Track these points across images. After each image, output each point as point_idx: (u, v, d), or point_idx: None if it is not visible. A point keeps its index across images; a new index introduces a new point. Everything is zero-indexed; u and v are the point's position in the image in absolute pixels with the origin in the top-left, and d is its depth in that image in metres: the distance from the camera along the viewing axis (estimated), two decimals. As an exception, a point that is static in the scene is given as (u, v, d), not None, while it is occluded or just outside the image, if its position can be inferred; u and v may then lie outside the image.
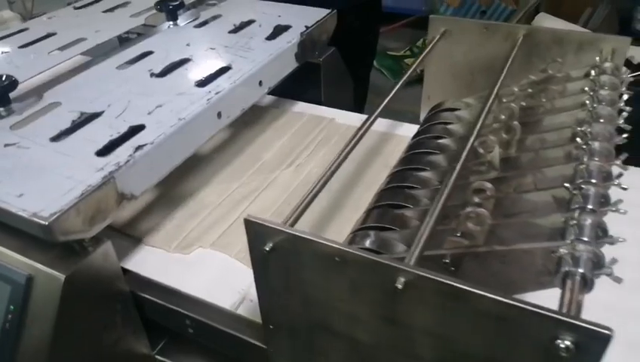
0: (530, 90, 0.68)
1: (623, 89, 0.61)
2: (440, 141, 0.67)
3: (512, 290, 0.45)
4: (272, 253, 0.43)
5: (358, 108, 1.30)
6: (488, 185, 0.47)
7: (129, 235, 0.71)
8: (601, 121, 0.55)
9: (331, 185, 0.77)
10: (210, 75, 0.74)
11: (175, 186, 0.78)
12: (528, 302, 0.34)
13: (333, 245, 0.40)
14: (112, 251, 0.58)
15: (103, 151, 0.59)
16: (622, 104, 0.58)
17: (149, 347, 0.70)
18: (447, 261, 0.46)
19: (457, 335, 0.39)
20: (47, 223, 0.49)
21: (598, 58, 0.66)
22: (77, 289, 0.55)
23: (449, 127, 0.70)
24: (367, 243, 0.53)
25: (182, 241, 0.68)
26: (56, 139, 0.62)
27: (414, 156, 0.66)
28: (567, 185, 0.44)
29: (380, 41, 1.49)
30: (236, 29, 0.89)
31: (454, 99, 0.77)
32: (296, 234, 0.41)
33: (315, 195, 0.49)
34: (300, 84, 1.00)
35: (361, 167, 0.81)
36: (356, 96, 1.28)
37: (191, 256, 0.67)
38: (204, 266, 0.65)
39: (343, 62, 1.03)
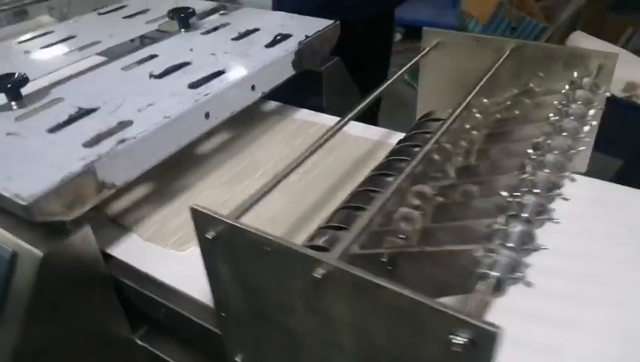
0: (508, 103, 0.68)
1: (596, 104, 0.60)
2: (417, 149, 0.68)
3: (445, 292, 0.46)
4: (215, 241, 0.46)
5: (369, 117, 1.32)
6: (427, 188, 0.48)
7: (122, 225, 0.76)
8: (564, 134, 0.55)
9: (316, 188, 0.80)
10: (204, 77, 0.78)
11: (177, 184, 0.82)
12: (429, 298, 0.36)
13: (261, 234, 0.42)
14: (91, 235, 0.62)
15: (90, 143, 0.63)
16: (589, 118, 0.58)
17: (129, 331, 0.74)
18: (384, 260, 0.47)
19: (372, 328, 0.40)
20: (26, 204, 0.54)
21: (576, 74, 0.66)
22: (55, 267, 0.59)
23: (429, 135, 0.71)
24: (321, 241, 0.55)
25: (179, 239, 0.72)
26: (52, 130, 0.67)
27: (389, 162, 0.67)
28: (503, 193, 0.45)
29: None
30: (239, 37, 0.94)
31: (443, 109, 0.78)
32: (231, 222, 0.44)
33: (267, 192, 0.52)
34: (303, 92, 1.03)
35: (350, 172, 0.83)
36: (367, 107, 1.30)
37: (184, 253, 0.70)
38: (192, 261, 0.69)
39: (347, 72, 1.06)
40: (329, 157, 0.89)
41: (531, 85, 0.68)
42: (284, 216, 0.75)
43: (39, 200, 0.55)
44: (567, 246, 0.66)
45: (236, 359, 0.57)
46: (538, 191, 0.46)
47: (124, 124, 0.67)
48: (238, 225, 0.44)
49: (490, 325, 0.33)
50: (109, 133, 0.65)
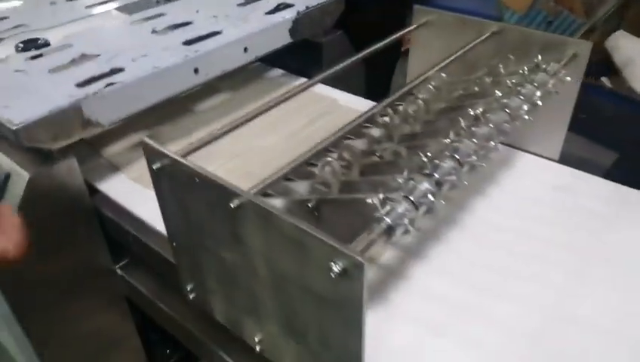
0: (477, 80, 0.70)
1: (550, 87, 0.62)
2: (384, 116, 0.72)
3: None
4: (160, 172, 0.52)
5: (379, 92, 1.33)
6: (355, 144, 0.52)
7: (113, 165, 0.83)
8: (507, 110, 0.58)
9: (296, 149, 0.85)
10: (199, 36, 0.84)
11: (170, 134, 0.88)
12: (316, 229, 0.40)
13: (192, 167, 0.48)
14: (76, 165, 0.70)
15: (82, 84, 0.70)
16: (536, 99, 0.60)
17: (110, 261, 0.82)
18: (310, 205, 0.52)
19: (276, 256, 0.45)
20: (15, 128, 0.62)
21: (537, 58, 0.67)
22: (41, 189, 0.67)
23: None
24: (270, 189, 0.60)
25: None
26: (53, 71, 0.75)
27: (349, 125, 0.71)
28: (420, 153, 0.49)
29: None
30: (245, 3, 0.99)
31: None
32: (170, 155, 0.49)
33: (218, 137, 0.57)
34: (305, 62, 1.07)
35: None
36: (375, 83, 1.32)
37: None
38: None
39: (351, 45, 1.09)
40: (317, 124, 0.93)
41: (500, 66, 0.70)
42: (260, 170, 0.80)
43: (27, 127, 0.63)
44: (505, 222, 0.69)
45: (187, 288, 0.63)
46: (456, 156, 0.49)
47: (116, 70, 0.73)
48: (175, 157, 0.49)
49: (357, 255, 0.38)
50: (101, 76, 0.72)
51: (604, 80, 2.23)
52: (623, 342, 0.54)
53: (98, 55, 0.79)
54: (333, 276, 0.39)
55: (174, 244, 0.60)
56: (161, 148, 0.50)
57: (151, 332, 1.05)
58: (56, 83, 0.71)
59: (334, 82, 1.07)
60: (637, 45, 2.25)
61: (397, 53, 1.49)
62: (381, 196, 0.43)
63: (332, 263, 0.39)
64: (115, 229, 0.77)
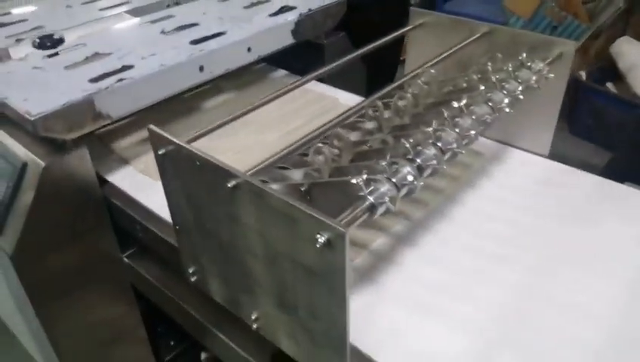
0: (466, 77, 0.74)
1: (532, 83, 0.66)
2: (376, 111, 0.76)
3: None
4: (165, 157, 0.56)
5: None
6: (342, 132, 0.56)
7: (122, 158, 0.88)
8: (489, 103, 0.61)
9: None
10: (205, 37, 0.88)
11: (176, 129, 0.93)
12: (304, 204, 0.44)
13: (194, 151, 0.52)
14: (87, 156, 0.74)
15: (95, 80, 0.75)
16: (518, 93, 0.63)
17: (117, 249, 0.87)
18: (302, 189, 0.56)
19: (270, 232, 0.49)
20: (33, 119, 0.67)
21: (522, 56, 0.71)
22: (54, 177, 0.72)
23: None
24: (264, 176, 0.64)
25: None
26: (68, 68, 0.80)
27: (340, 116, 0.74)
28: (403, 140, 0.52)
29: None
30: (251, 5, 1.03)
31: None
32: (174, 140, 0.53)
33: (220, 126, 0.61)
34: (308, 63, 1.11)
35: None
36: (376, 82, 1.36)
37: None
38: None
39: (352, 47, 1.13)
40: (318, 121, 0.96)
41: (489, 64, 0.74)
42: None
43: (44, 118, 0.67)
44: (494, 212, 0.72)
45: (189, 270, 0.67)
46: (438, 144, 0.53)
47: (126, 68, 0.78)
48: (179, 142, 0.53)
49: (339, 225, 0.41)
50: (112, 73, 0.77)
51: (610, 85, 2.25)
52: (591, 317, 0.57)
53: (110, 53, 0.84)
54: (318, 246, 0.43)
55: (177, 228, 0.65)
56: (166, 135, 0.55)
57: (156, 324, 1.10)
58: (71, 78, 0.76)
59: (336, 84, 1.12)
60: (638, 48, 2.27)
61: (397, 60, 1.53)
62: (365, 177, 0.47)
63: (318, 235, 0.43)
64: (123, 218, 0.82)
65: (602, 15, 2.13)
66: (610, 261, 0.64)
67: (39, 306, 0.82)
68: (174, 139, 0.54)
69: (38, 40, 0.87)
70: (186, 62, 0.81)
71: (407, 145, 0.52)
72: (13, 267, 0.75)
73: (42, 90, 0.74)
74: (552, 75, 0.70)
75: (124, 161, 0.87)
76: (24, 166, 0.72)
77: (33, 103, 0.69)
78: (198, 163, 0.52)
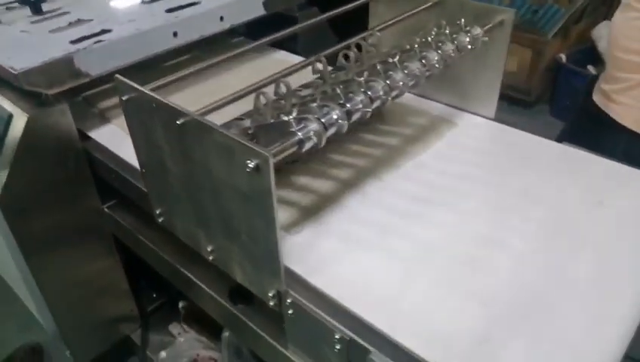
0: (410, 41, 0.81)
1: (466, 45, 0.73)
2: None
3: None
4: (129, 103, 0.64)
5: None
6: (286, 80, 0.64)
7: (105, 117, 0.96)
8: (423, 61, 0.68)
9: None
10: (181, 5, 0.96)
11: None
12: (238, 135, 0.52)
13: (150, 94, 0.59)
14: (68, 111, 0.82)
15: (75, 41, 0.83)
16: (450, 53, 0.71)
17: (98, 201, 0.95)
18: (250, 132, 0.63)
19: (212, 163, 0.57)
20: (16, 73, 0.74)
21: (461, 21, 0.78)
22: (37, 128, 0.79)
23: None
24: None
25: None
26: (52, 31, 0.87)
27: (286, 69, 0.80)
28: (337, 89, 0.60)
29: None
30: (226, -22, 1.10)
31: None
32: (136, 86, 0.61)
33: (184, 77, 0.69)
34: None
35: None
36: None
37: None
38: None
39: (325, 21, 1.20)
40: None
41: (434, 29, 0.81)
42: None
43: (26, 73, 0.75)
44: (440, 165, 0.80)
45: (157, 211, 0.75)
46: (368, 92, 0.60)
47: (105, 31, 0.86)
48: (139, 88, 0.61)
49: (263, 150, 0.49)
50: (92, 35, 0.84)
51: (590, 68, 2.31)
52: (507, 248, 0.65)
53: (91, 20, 0.91)
54: (248, 171, 0.50)
55: (143, 171, 0.72)
56: (129, 82, 0.62)
57: (139, 279, 1.18)
58: (54, 40, 0.84)
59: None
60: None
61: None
62: (295, 114, 0.55)
63: (248, 161, 0.50)
64: (102, 170, 0.89)
65: (583, -1, 2.18)
66: (534, 204, 0.71)
67: (28, 254, 0.90)
68: (136, 86, 0.61)
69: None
70: (160, 28, 0.89)
71: (339, 92, 0.59)
72: (2, 213, 0.84)
73: (27, 50, 0.81)
74: (487, 39, 0.77)
75: (106, 120, 0.94)
76: (10, 117, 0.80)
77: (17, 60, 0.77)
78: (154, 105, 0.60)
